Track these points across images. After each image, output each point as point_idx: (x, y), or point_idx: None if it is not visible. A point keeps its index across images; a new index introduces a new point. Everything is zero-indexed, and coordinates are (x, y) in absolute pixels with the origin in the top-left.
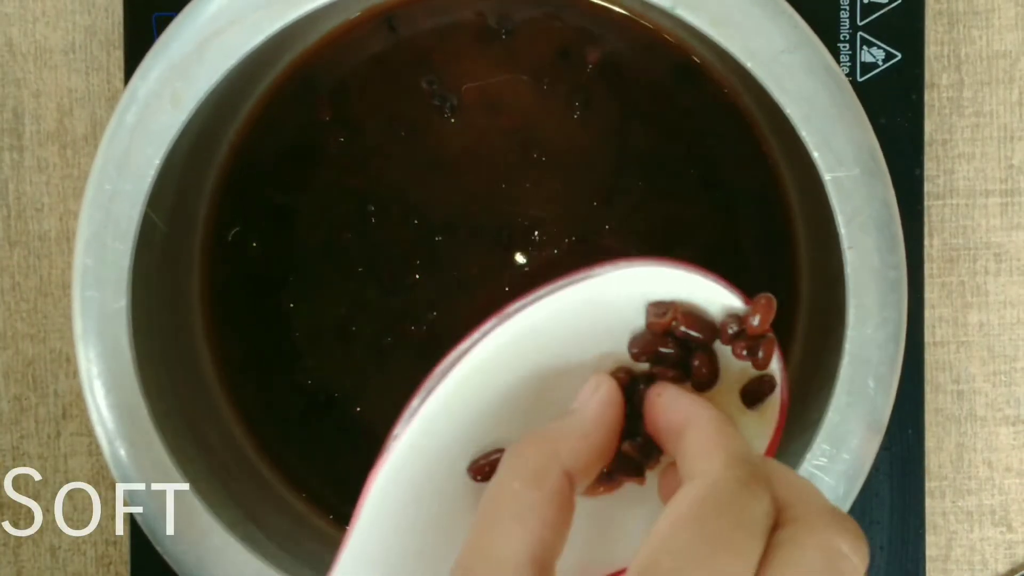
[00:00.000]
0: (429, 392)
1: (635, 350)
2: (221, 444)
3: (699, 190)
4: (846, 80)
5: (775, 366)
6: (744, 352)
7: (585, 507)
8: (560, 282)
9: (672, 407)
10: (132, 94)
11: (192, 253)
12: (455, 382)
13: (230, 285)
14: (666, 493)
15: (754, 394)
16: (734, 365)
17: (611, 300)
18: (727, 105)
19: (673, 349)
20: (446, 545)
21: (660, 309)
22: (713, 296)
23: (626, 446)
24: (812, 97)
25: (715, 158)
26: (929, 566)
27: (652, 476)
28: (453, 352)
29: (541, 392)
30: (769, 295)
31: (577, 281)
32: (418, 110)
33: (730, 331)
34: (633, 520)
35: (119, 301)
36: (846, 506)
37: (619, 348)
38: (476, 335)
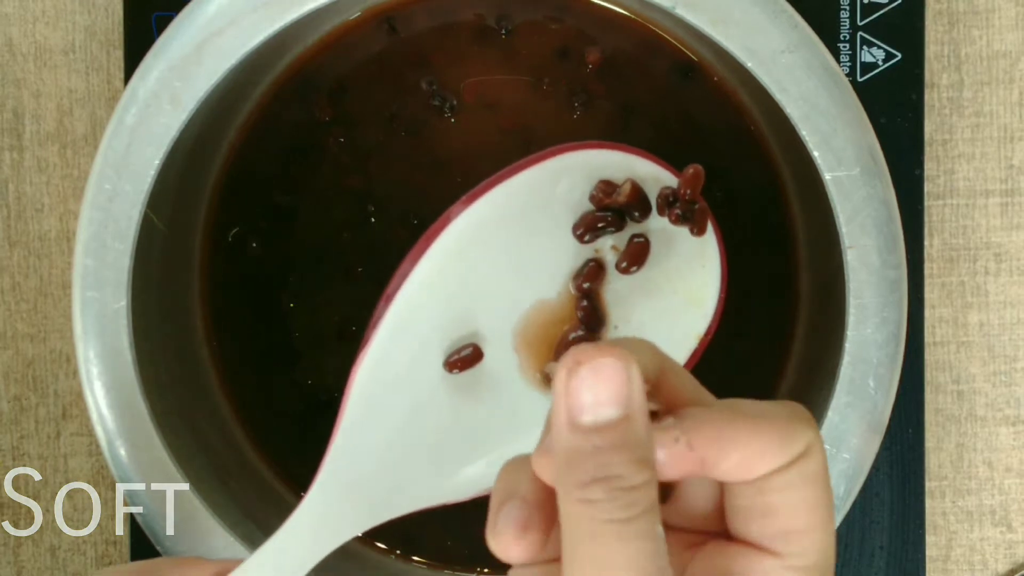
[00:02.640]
0: (403, 278)
1: (580, 231)
2: (221, 444)
3: None
4: (846, 80)
5: (710, 233)
6: (678, 217)
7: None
8: (512, 168)
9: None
10: (132, 94)
11: (192, 253)
12: (427, 267)
13: (230, 285)
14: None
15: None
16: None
17: (558, 184)
18: (727, 105)
19: (613, 225)
20: (429, 433)
21: (608, 187)
22: (650, 173)
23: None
24: (812, 97)
25: (715, 158)
26: (929, 566)
27: None
28: (421, 242)
29: (499, 278)
30: (697, 166)
31: (527, 166)
32: (418, 110)
33: (666, 201)
34: None
35: (119, 301)
36: (846, 506)
37: (565, 229)
38: (438, 226)
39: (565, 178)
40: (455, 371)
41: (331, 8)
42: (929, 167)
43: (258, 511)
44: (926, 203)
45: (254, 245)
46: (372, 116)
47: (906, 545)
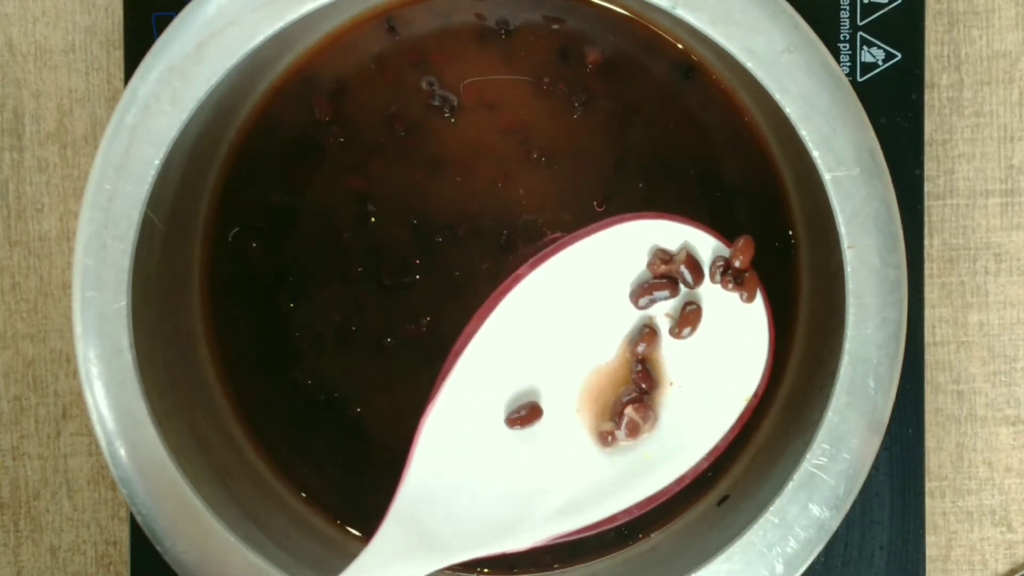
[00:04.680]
0: (468, 340)
1: (636, 297)
2: (221, 444)
3: (699, 190)
4: (846, 80)
5: (759, 300)
6: (730, 285)
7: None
8: (573, 235)
9: None
10: (132, 94)
11: (192, 253)
12: (490, 331)
13: (230, 285)
14: None
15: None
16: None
17: (615, 251)
18: (727, 105)
19: (668, 291)
20: (491, 482)
21: (664, 255)
22: (701, 242)
23: (630, 411)
24: (812, 97)
25: (715, 158)
26: (929, 566)
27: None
28: (488, 302)
29: (559, 339)
30: (748, 237)
31: (588, 234)
32: (418, 110)
33: (718, 270)
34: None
35: (119, 301)
36: (846, 506)
37: (622, 295)
38: (504, 287)
39: (623, 246)
40: (516, 427)
41: (331, 8)
42: (929, 167)
43: (258, 511)
44: (926, 203)
45: (254, 245)
46: (372, 116)
47: (906, 545)
